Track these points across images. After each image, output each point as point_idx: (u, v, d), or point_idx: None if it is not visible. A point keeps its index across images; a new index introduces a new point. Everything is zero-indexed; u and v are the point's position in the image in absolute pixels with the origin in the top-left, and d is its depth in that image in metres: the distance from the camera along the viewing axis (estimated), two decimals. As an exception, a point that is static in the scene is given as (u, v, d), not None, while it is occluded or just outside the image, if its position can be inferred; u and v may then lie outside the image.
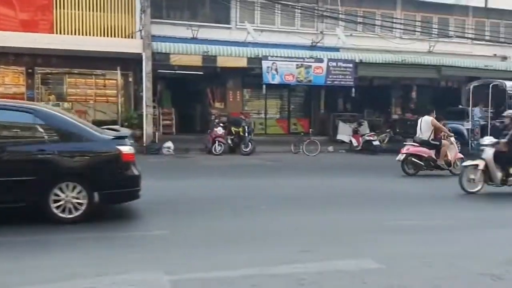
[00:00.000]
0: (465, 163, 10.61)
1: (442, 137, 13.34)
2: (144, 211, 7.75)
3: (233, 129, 18.32)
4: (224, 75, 21.44)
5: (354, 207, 8.71)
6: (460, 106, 21.80)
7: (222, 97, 22.29)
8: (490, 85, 17.52)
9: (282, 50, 19.86)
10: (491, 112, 18.57)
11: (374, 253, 5.62)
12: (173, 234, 6.46)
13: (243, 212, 8.05)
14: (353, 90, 20.36)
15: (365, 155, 18.77)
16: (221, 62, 18.94)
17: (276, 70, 19.41)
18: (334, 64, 19.94)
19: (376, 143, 19.28)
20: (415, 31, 22.88)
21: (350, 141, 20.31)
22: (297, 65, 19.62)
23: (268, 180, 12.12)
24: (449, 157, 13.16)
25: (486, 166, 10.10)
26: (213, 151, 17.37)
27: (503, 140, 10.26)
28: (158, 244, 5.98)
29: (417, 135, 13.58)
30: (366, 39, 22.07)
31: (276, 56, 19.48)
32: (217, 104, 21.93)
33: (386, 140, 20.11)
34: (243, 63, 19.28)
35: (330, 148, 20.14)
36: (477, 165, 10.14)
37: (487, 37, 24.16)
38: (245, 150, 17.73)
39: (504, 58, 24.27)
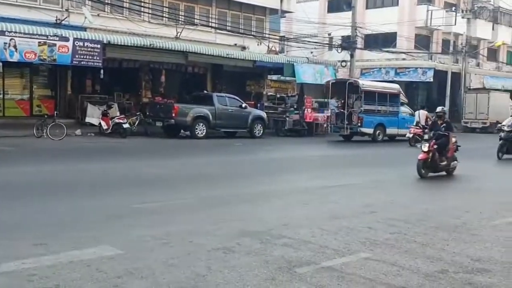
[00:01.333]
0: None
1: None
2: None
3: (-39, 111, 16.19)
4: (-51, 49, 18.65)
5: (99, 193, 8.52)
6: (205, 91, 23.17)
7: None
8: (347, 82, 21.65)
9: (22, 25, 18.17)
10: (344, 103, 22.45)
11: (114, 239, 5.57)
12: None
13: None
14: (102, 71, 19.81)
15: (115, 138, 18.57)
16: None
17: (15, 46, 17.69)
18: (81, 43, 19.06)
19: (126, 126, 19.20)
20: (163, 16, 23.40)
21: (100, 124, 19.78)
22: (39, 42, 18.17)
23: (3, 168, 11.03)
24: None
25: None
26: None
27: None
28: None
29: (417, 122, 20.31)
30: (114, 21, 21.70)
31: (15, 32, 17.74)
32: None
33: (136, 123, 20.23)
34: (-27, 37, 17.07)
35: (78, 132, 19.34)
36: None
37: (228, 28, 26.08)
38: (-23, 135, 15.83)
39: (244, 48, 26.56)
